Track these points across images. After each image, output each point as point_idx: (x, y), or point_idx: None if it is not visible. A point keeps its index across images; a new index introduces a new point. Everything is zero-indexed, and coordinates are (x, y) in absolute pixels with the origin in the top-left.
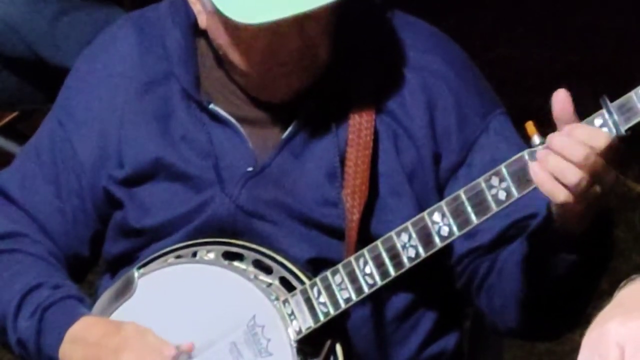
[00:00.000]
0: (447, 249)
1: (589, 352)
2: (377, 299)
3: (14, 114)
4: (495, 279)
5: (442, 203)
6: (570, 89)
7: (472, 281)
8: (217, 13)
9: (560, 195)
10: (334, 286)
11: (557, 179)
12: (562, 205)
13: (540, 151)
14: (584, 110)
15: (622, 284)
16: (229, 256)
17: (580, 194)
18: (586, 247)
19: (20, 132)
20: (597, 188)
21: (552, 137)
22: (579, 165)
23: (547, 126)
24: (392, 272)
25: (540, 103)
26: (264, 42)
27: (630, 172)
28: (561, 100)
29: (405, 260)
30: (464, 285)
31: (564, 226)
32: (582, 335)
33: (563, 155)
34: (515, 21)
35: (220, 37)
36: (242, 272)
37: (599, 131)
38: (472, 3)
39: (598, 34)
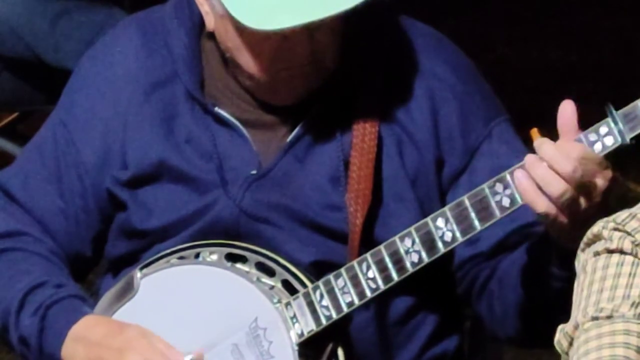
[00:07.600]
0: (449, 255)
1: None
2: (379, 302)
3: (14, 115)
4: (495, 286)
5: (446, 209)
6: (570, 89)
7: (473, 287)
8: (228, 16)
9: (542, 205)
10: (336, 290)
11: (540, 189)
12: (546, 217)
13: (529, 156)
14: (583, 110)
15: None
16: (232, 258)
17: (563, 206)
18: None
19: (20, 133)
20: (582, 204)
21: (543, 145)
22: (565, 179)
23: (547, 127)
24: (395, 277)
25: (540, 103)
26: (273, 46)
27: (630, 173)
28: (567, 112)
29: (408, 265)
30: (465, 292)
31: (559, 241)
32: None
33: (551, 166)
34: (515, 21)
35: (229, 40)
36: (245, 274)
37: (592, 153)
38: (472, 3)
39: (598, 34)
